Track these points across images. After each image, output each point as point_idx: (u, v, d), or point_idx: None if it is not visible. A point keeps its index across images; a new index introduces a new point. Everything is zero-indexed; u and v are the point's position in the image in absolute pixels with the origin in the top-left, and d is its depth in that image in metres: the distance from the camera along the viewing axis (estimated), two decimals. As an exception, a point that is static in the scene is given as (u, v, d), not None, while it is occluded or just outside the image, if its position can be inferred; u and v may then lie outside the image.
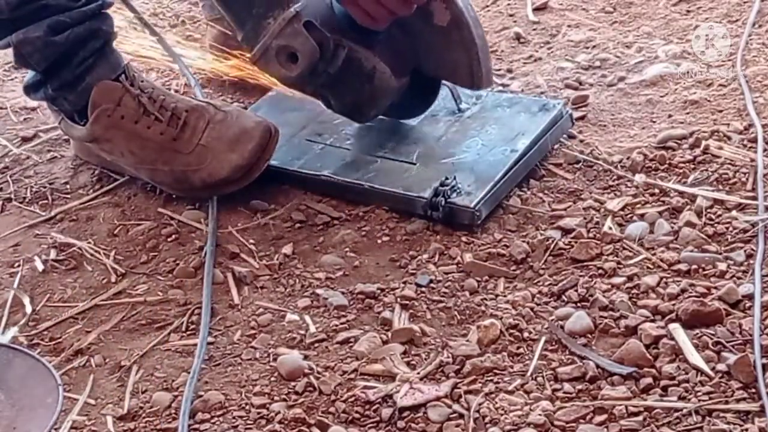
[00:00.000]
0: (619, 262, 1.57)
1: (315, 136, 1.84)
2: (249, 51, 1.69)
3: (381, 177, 1.73)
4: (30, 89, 1.84)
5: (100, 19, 1.78)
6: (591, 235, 1.62)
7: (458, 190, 1.67)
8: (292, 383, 1.42)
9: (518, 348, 1.44)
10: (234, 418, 1.38)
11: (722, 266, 1.54)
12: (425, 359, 1.44)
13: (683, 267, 1.55)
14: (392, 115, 1.84)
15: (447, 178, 1.68)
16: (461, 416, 1.35)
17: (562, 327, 1.47)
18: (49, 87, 1.79)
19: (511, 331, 1.47)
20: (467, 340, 1.46)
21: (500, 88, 2.00)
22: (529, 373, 1.40)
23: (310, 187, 1.76)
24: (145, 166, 1.76)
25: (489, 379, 1.40)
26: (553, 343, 1.45)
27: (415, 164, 1.75)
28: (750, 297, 1.47)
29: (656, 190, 1.70)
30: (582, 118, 1.90)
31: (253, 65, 1.70)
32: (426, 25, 1.70)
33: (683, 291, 1.50)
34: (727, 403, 1.33)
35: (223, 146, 1.72)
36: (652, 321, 1.46)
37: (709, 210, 1.65)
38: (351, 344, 1.48)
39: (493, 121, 1.83)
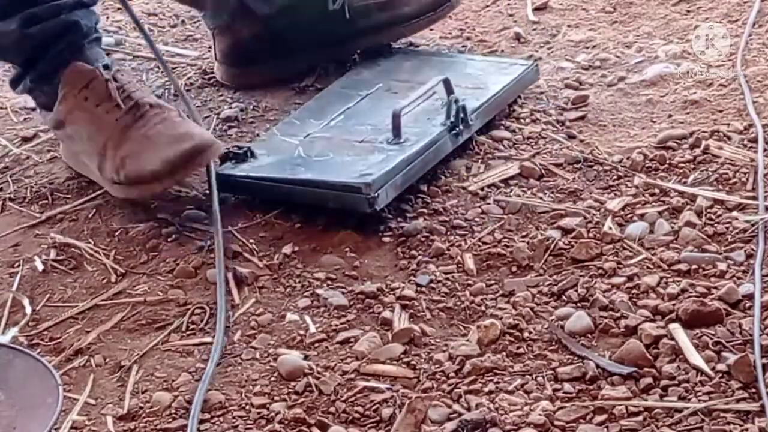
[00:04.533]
0: (619, 262, 1.57)
1: None
2: None
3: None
4: (14, 83, 1.86)
5: (78, 13, 1.77)
6: (591, 235, 1.62)
7: None
8: (292, 383, 1.42)
9: (518, 348, 1.44)
10: (234, 418, 1.38)
11: (722, 266, 1.54)
12: (425, 360, 1.44)
13: (683, 267, 1.55)
14: None
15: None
16: (461, 416, 1.34)
17: (562, 327, 1.47)
18: (27, 79, 1.80)
19: (511, 331, 1.47)
20: (467, 340, 1.46)
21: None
22: (529, 373, 1.40)
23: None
24: (95, 153, 1.75)
25: (489, 379, 1.40)
26: (553, 343, 1.45)
27: None
28: (750, 297, 1.47)
29: (656, 190, 1.70)
30: (582, 118, 1.90)
31: None
32: None
33: (683, 291, 1.50)
34: (727, 403, 1.33)
35: (163, 140, 1.70)
36: (652, 321, 1.46)
37: (709, 210, 1.65)
38: (351, 344, 1.48)
39: None
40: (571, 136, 1.85)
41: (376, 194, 1.65)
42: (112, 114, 1.74)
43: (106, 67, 1.77)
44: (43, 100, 1.81)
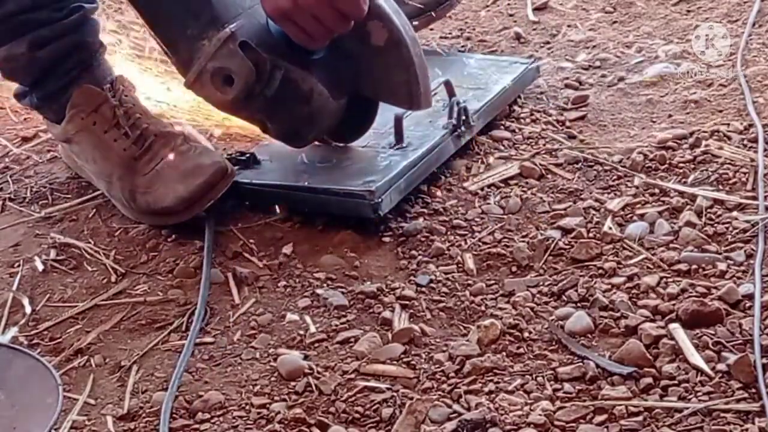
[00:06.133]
0: (619, 262, 1.57)
1: None
2: (183, 76, 1.67)
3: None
4: (19, 96, 1.85)
5: (83, 30, 1.77)
6: (591, 235, 1.62)
7: None
8: (292, 383, 1.42)
9: (518, 348, 1.44)
10: (234, 418, 1.38)
11: (722, 266, 1.54)
12: (425, 360, 1.44)
13: (683, 267, 1.55)
14: (331, 138, 1.80)
15: None
16: (461, 416, 1.35)
17: (562, 327, 1.47)
18: (34, 96, 1.80)
19: (511, 331, 1.47)
20: (467, 340, 1.46)
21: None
22: (529, 373, 1.40)
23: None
24: (103, 178, 1.76)
25: (489, 379, 1.40)
26: (553, 343, 1.45)
27: None
28: (750, 297, 1.47)
29: (656, 190, 1.70)
30: (582, 118, 1.90)
31: (188, 90, 1.69)
32: (363, 45, 1.66)
33: (683, 291, 1.50)
34: (727, 403, 1.33)
35: (174, 176, 1.70)
36: (652, 321, 1.46)
37: (709, 210, 1.65)
38: (351, 344, 1.48)
39: None
40: (571, 136, 1.86)
41: (379, 200, 1.65)
42: (120, 143, 1.74)
43: (112, 84, 1.77)
44: (51, 116, 1.81)
